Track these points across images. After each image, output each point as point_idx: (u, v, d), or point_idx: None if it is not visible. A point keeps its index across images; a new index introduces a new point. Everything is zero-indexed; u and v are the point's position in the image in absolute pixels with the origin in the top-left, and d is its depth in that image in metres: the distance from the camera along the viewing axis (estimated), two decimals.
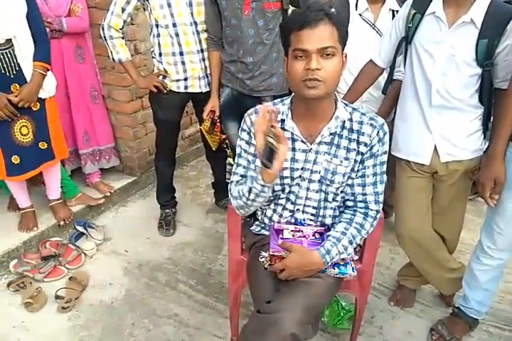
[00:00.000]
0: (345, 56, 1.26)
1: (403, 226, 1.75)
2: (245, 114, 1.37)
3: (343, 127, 1.31)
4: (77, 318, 1.91)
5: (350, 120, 1.31)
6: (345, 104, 1.34)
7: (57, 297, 1.96)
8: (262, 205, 1.47)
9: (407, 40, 1.57)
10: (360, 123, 1.31)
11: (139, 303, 2.00)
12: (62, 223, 2.37)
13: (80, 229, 2.37)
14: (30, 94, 1.98)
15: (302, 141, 1.32)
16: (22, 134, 2.05)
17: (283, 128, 1.32)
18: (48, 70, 2.04)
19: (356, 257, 1.45)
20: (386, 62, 1.69)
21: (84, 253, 2.26)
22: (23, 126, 2.04)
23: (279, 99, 1.38)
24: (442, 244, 1.81)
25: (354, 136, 1.31)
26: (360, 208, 1.38)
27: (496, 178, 1.49)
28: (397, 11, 1.74)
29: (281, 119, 1.33)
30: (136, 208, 2.74)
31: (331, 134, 1.31)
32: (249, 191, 1.29)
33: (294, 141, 1.32)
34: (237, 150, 1.40)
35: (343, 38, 1.22)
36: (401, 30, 1.59)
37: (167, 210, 2.53)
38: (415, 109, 1.59)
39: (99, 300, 2.01)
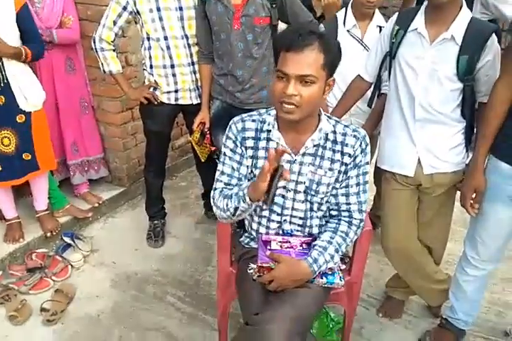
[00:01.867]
0: (333, 81, 1.26)
1: (389, 239, 1.77)
2: (231, 122, 1.39)
3: (326, 139, 1.34)
4: (62, 331, 1.88)
5: (334, 132, 1.34)
6: (328, 116, 1.37)
7: (42, 309, 1.93)
8: (247, 217, 1.49)
9: (390, 55, 1.62)
10: (344, 134, 1.34)
11: (127, 316, 1.97)
12: (49, 234, 2.34)
13: (67, 240, 2.34)
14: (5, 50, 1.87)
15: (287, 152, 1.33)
16: (3, 145, 2.05)
17: (269, 138, 1.34)
18: (27, 59, 1.98)
19: (343, 266, 1.46)
20: (373, 76, 1.73)
21: (71, 265, 2.23)
22: (5, 137, 2.04)
23: (264, 110, 1.40)
24: (428, 256, 1.83)
25: (338, 147, 1.34)
26: (344, 217, 1.40)
27: (476, 189, 1.53)
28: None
29: (268, 130, 1.35)
30: (125, 219, 2.71)
31: (314, 146, 1.33)
32: (236, 209, 1.31)
33: None
34: (221, 158, 1.40)
35: (329, 65, 1.21)
36: (386, 46, 1.63)
37: (156, 221, 2.51)
38: (400, 122, 1.63)
39: (85, 312, 1.98)
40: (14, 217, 2.30)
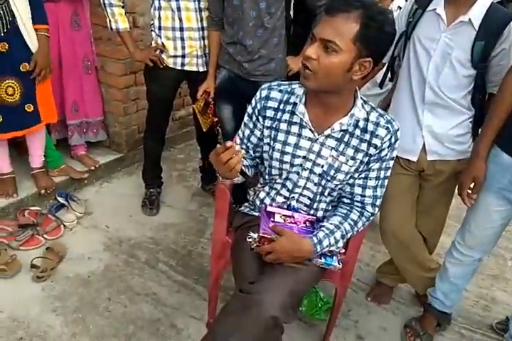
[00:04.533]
0: (369, 62, 1.13)
1: (387, 223, 1.76)
2: (260, 88, 1.33)
3: (356, 126, 1.27)
4: (51, 289, 1.86)
5: (366, 120, 1.27)
6: (364, 101, 1.29)
7: (32, 266, 1.91)
8: (256, 186, 1.46)
9: (406, 34, 1.57)
10: (376, 124, 1.26)
11: (117, 279, 1.96)
12: (43, 192, 2.30)
13: (61, 200, 2.30)
14: (45, 59, 2.02)
15: (310, 129, 1.28)
16: (8, 94, 1.99)
17: (293, 112, 1.29)
18: (49, 32, 2.03)
19: (343, 250, 1.44)
20: (386, 57, 1.68)
21: (64, 225, 2.20)
22: (9, 86, 1.98)
23: (297, 81, 1.31)
24: (423, 243, 1.83)
25: (367, 136, 1.27)
26: (357, 207, 1.37)
27: (475, 177, 1.50)
28: None
29: (294, 102, 1.28)
30: (121, 185, 2.68)
31: (342, 131, 1.27)
32: None
33: (301, 127, 1.29)
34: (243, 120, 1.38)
35: (363, 40, 1.09)
36: (402, 25, 1.58)
37: (152, 189, 2.47)
38: (408, 105, 1.60)
39: (75, 272, 1.96)
40: (9, 172, 2.25)
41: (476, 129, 1.60)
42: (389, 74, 1.77)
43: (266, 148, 1.35)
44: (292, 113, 1.29)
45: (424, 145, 1.60)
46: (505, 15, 1.44)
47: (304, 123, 1.28)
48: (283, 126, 1.30)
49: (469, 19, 1.42)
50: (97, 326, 1.72)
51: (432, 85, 1.52)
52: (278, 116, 1.30)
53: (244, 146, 1.39)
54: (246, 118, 1.36)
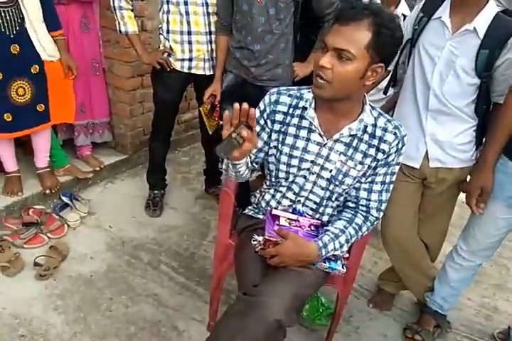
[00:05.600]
0: (381, 68, 1.16)
1: (389, 229, 1.76)
2: (268, 93, 1.33)
3: (364, 131, 1.28)
4: (54, 287, 1.87)
5: (374, 125, 1.28)
6: (372, 107, 1.30)
7: (35, 264, 1.92)
8: (261, 188, 1.47)
9: (411, 42, 1.59)
10: (384, 130, 1.28)
11: (119, 279, 1.96)
12: (48, 191, 2.32)
13: (66, 200, 2.32)
14: (70, 61, 2.15)
15: (319, 134, 1.29)
16: (18, 94, 2.03)
17: (302, 116, 1.30)
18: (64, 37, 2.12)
19: (347, 255, 1.44)
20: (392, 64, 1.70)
21: (68, 225, 2.21)
22: (20, 87, 2.02)
23: (306, 87, 1.34)
24: (425, 251, 1.83)
25: (375, 142, 1.29)
26: (362, 211, 1.38)
27: (483, 187, 1.51)
28: None
29: (304, 107, 1.29)
30: (125, 186, 2.69)
31: (350, 136, 1.28)
32: (222, 160, 1.29)
33: (310, 131, 1.30)
34: None
35: (376, 48, 1.11)
36: (408, 32, 1.60)
37: (156, 191, 2.48)
38: (412, 112, 1.61)
39: (78, 272, 1.97)
40: (14, 171, 2.27)
41: (480, 138, 1.60)
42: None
43: (272, 151, 1.36)
44: (301, 117, 1.30)
45: (426, 152, 1.61)
46: (511, 25, 1.45)
47: (314, 128, 1.29)
48: (291, 130, 1.31)
49: (474, 27, 1.43)
50: (98, 325, 1.72)
51: (436, 92, 1.52)
52: (287, 121, 1.31)
53: None
54: None
